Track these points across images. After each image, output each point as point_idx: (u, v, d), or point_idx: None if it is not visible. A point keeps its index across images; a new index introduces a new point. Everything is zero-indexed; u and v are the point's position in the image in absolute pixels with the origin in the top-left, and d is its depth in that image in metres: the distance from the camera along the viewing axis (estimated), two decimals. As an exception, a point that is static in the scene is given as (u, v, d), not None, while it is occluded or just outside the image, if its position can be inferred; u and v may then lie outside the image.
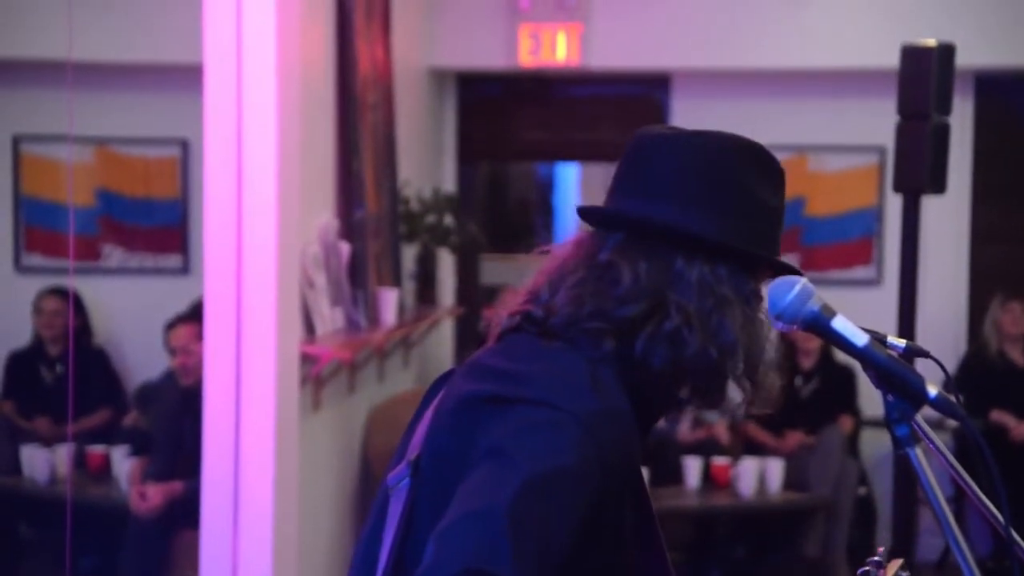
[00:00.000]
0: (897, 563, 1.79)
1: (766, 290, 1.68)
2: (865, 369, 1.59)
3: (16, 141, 7.19)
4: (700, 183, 1.68)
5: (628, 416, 1.60)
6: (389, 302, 5.66)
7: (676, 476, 6.36)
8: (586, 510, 1.53)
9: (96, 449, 5.98)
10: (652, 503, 1.72)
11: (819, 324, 1.59)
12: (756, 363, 1.67)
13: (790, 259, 1.80)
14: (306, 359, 4.52)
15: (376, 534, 1.70)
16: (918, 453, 1.56)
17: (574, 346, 1.64)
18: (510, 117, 7.94)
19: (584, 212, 1.74)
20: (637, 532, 1.66)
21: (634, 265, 1.66)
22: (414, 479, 1.65)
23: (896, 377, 1.56)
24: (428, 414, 1.70)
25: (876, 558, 1.74)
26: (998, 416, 6.83)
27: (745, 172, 1.69)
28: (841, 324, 1.59)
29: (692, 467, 6.38)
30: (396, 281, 6.10)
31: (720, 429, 6.91)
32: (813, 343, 6.80)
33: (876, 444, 7.02)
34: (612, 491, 1.57)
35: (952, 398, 1.56)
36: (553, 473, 1.50)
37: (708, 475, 6.42)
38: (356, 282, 5.35)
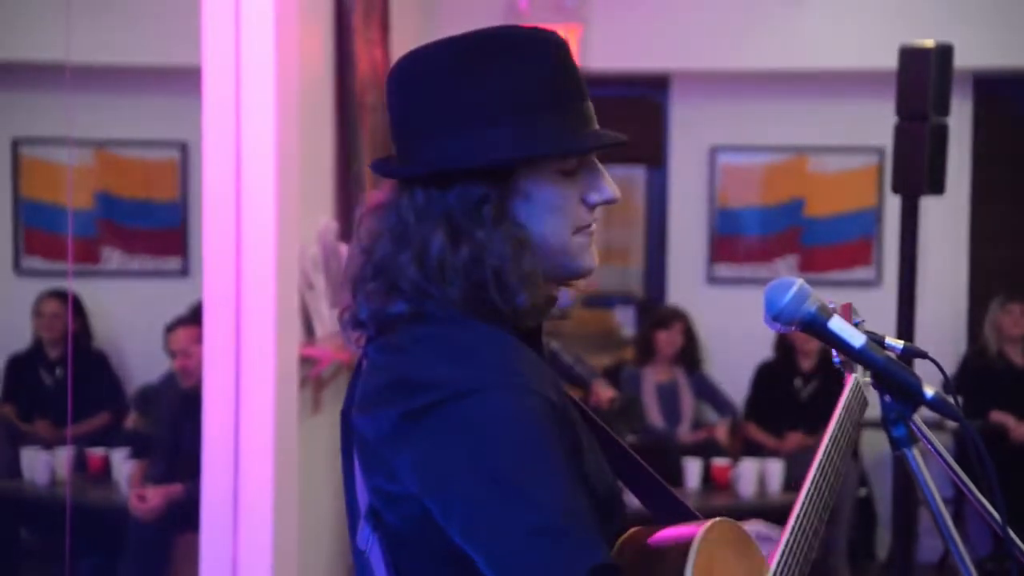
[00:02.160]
0: (848, 306, 1.81)
1: (547, 184, 1.63)
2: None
3: (15, 144, 7.19)
4: (421, 107, 1.64)
5: (512, 344, 1.57)
6: (388, 304, 5.66)
7: (676, 477, 6.36)
8: (566, 440, 1.52)
9: (96, 452, 5.98)
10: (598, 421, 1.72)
11: (816, 325, 1.59)
12: (494, 272, 1.59)
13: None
14: (306, 361, 4.52)
15: None
16: (915, 454, 1.57)
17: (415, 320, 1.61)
18: (509, 119, 7.94)
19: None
20: (592, 442, 1.65)
21: (372, 215, 1.67)
22: (379, 532, 1.61)
23: (893, 378, 1.56)
24: (356, 466, 1.67)
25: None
26: (998, 417, 6.83)
27: (466, 75, 1.62)
28: (838, 325, 1.59)
29: (692, 468, 6.38)
30: (395, 283, 6.10)
31: (720, 430, 6.91)
32: (812, 344, 6.80)
33: (876, 445, 7.02)
34: (563, 416, 1.55)
35: (950, 399, 1.56)
36: (534, 443, 1.47)
37: (708, 476, 6.42)
38: (355, 284, 5.35)
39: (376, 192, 1.70)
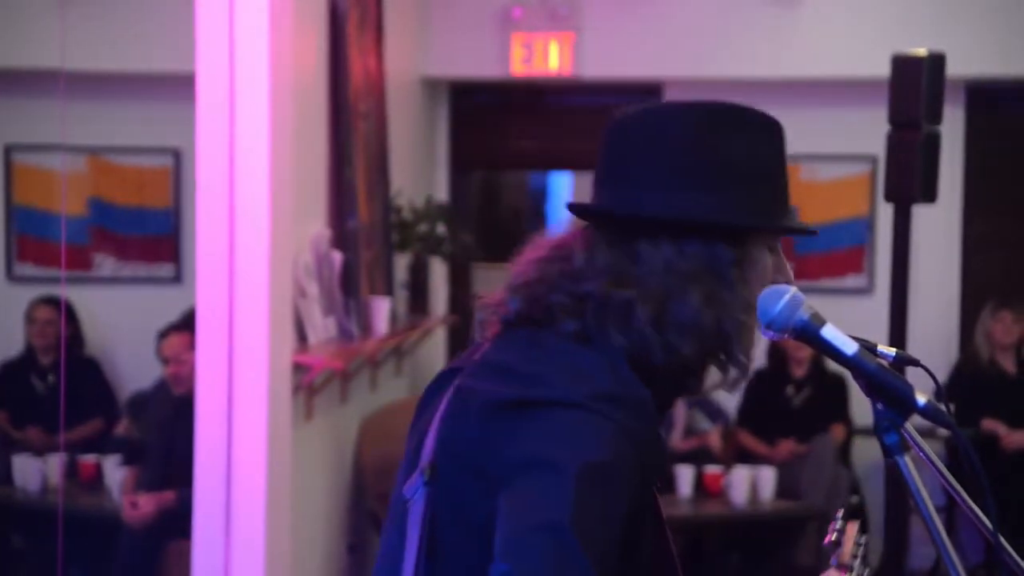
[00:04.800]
0: (854, 527, 1.82)
1: (766, 254, 1.68)
2: (855, 378, 1.59)
3: (8, 150, 7.18)
4: (657, 160, 1.67)
5: (648, 404, 1.60)
6: (381, 311, 5.66)
7: (668, 485, 6.36)
8: (627, 503, 1.55)
9: (88, 459, 5.97)
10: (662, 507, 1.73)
11: (809, 332, 1.59)
12: (726, 341, 1.65)
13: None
14: (298, 368, 4.52)
15: (396, 548, 1.67)
16: (907, 461, 1.57)
17: (578, 340, 1.64)
18: (503, 126, 7.95)
19: (567, 208, 1.76)
20: (652, 535, 1.67)
21: (591, 248, 1.67)
22: (430, 487, 1.63)
23: (885, 385, 1.56)
24: (436, 417, 1.67)
25: (837, 525, 1.75)
26: (989, 425, 6.84)
27: (717, 135, 1.67)
28: (831, 333, 1.59)
29: (684, 476, 6.38)
30: (388, 290, 6.10)
31: (712, 438, 6.92)
32: (805, 352, 6.81)
33: (868, 453, 7.03)
34: (645, 483, 1.59)
35: (942, 407, 1.56)
36: (599, 473, 1.51)
37: (700, 484, 6.42)
38: (348, 291, 5.35)
39: (572, 229, 1.73)
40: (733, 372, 1.68)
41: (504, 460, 1.55)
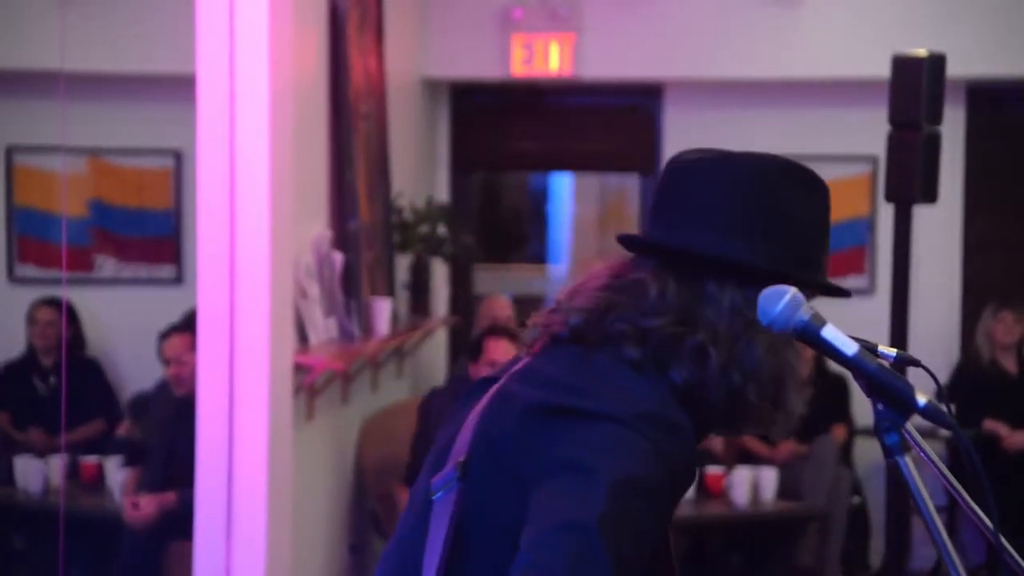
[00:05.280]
0: None
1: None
2: (856, 378, 1.59)
3: (9, 152, 7.19)
4: (730, 207, 1.71)
5: (689, 432, 1.63)
6: (383, 312, 5.66)
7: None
8: (654, 522, 1.57)
9: (89, 460, 5.97)
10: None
11: (809, 333, 1.60)
12: (781, 387, 1.70)
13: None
14: (299, 369, 4.52)
15: (415, 540, 1.69)
16: (908, 461, 1.57)
17: (620, 358, 1.67)
18: (503, 127, 7.95)
19: (620, 240, 1.77)
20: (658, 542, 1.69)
21: (663, 284, 1.69)
22: (462, 483, 1.65)
23: (885, 386, 1.56)
24: (473, 416, 1.69)
25: None
26: (991, 425, 6.84)
27: (778, 192, 1.72)
28: (831, 333, 1.59)
29: (685, 476, 6.37)
30: (389, 291, 6.11)
31: (713, 438, 6.91)
32: (805, 352, 6.75)
33: (869, 453, 7.03)
34: (673, 502, 1.62)
35: (942, 407, 1.57)
36: (632, 486, 1.53)
37: (702, 484, 6.42)
38: (349, 292, 5.35)
39: (628, 259, 1.75)
40: (781, 418, 1.72)
41: (540, 462, 1.57)
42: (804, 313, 1.59)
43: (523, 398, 1.64)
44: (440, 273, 7.48)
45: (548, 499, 1.54)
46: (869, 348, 1.66)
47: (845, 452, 6.93)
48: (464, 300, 7.87)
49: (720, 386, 1.67)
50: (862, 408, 6.82)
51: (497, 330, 5.80)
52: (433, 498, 1.67)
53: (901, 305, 4.31)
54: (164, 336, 5.79)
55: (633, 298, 1.69)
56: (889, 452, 1.56)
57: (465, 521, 1.63)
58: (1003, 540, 1.61)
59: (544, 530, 1.50)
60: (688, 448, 1.63)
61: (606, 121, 7.87)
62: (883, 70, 4.41)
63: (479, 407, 1.70)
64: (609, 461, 1.54)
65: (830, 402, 6.91)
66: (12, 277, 7.20)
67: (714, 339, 1.67)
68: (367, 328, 5.55)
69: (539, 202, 10.38)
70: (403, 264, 6.67)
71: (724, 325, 1.68)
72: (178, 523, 4.86)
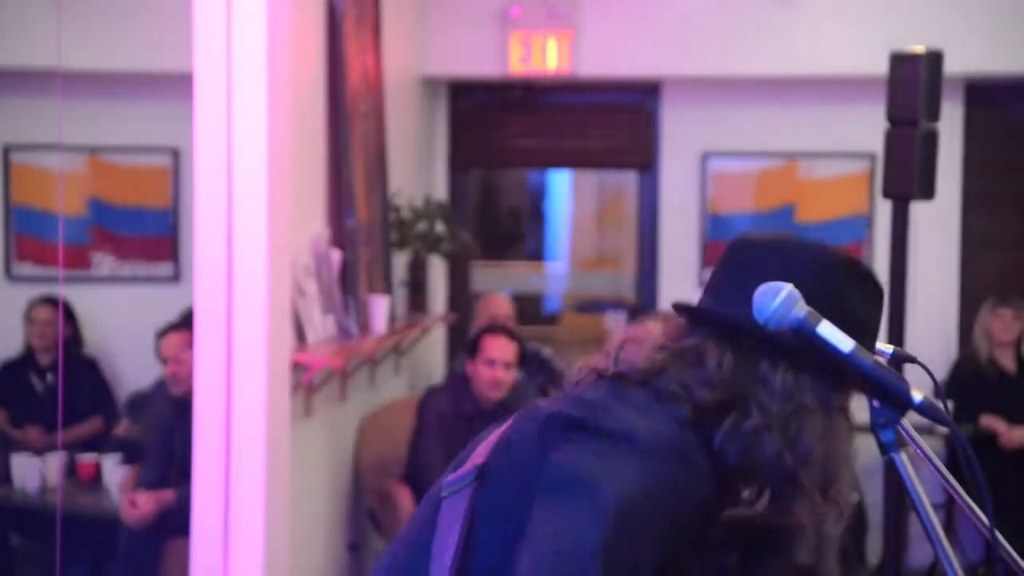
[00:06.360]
0: None
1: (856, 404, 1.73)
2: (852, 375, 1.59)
3: (6, 150, 7.19)
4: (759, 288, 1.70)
5: (705, 475, 1.63)
6: (380, 309, 5.66)
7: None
8: (662, 555, 1.57)
9: (87, 458, 5.97)
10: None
11: (805, 330, 1.60)
12: (831, 476, 1.69)
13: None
14: (297, 367, 4.52)
15: (422, 540, 1.70)
16: (903, 458, 1.57)
17: (659, 401, 1.67)
18: (501, 125, 7.95)
19: (677, 307, 1.77)
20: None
21: (721, 355, 1.69)
22: (477, 484, 1.67)
23: (881, 383, 1.57)
24: (498, 431, 1.73)
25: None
26: (988, 422, 6.84)
27: (839, 285, 1.72)
28: (826, 330, 1.59)
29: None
30: (387, 288, 6.10)
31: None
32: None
33: (867, 451, 7.02)
34: (687, 537, 1.61)
35: (938, 403, 1.57)
36: (637, 513, 1.53)
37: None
38: (347, 290, 5.35)
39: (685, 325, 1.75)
40: (827, 510, 1.71)
41: (550, 471, 1.58)
42: (799, 310, 1.60)
43: (547, 409, 1.67)
44: (438, 271, 7.48)
45: (550, 517, 1.54)
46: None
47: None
48: (462, 298, 7.88)
49: (774, 469, 1.66)
50: (859, 405, 6.82)
51: (495, 328, 5.80)
52: (442, 497, 1.69)
53: (898, 302, 4.31)
54: (162, 334, 5.79)
55: (689, 364, 1.69)
56: (885, 449, 1.57)
57: (476, 520, 1.65)
58: (1000, 537, 1.61)
59: (544, 553, 1.51)
60: (703, 486, 1.63)
61: (604, 118, 7.87)
62: (881, 67, 4.41)
63: (507, 422, 1.73)
64: (617, 484, 1.54)
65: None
66: (10, 275, 7.20)
67: (770, 424, 1.65)
68: (365, 326, 5.54)
69: (537, 199, 10.38)
70: (401, 262, 6.67)
71: (777, 408, 1.66)
72: (176, 521, 4.86)
